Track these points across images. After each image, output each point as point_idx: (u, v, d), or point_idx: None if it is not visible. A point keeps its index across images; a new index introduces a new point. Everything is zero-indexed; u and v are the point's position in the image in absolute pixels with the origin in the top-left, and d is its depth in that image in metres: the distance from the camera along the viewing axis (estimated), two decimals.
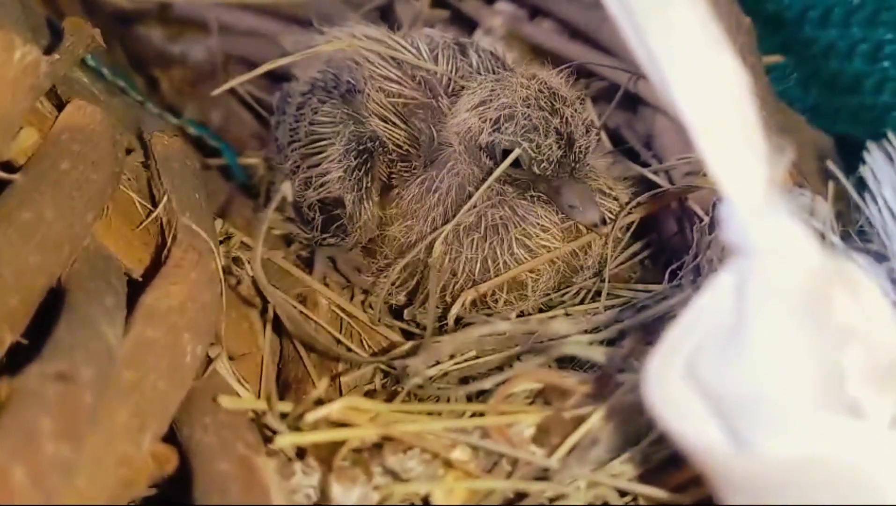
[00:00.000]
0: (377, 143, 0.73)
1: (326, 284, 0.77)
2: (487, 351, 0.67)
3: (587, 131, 0.69)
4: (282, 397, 0.67)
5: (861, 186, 0.61)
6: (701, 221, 0.71)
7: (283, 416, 0.55)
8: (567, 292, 0.76)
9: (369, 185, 0.73)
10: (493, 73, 0.75)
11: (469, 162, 0.70)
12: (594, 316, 0.69)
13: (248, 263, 0.73)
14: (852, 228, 0.65)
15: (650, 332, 0.59)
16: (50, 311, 0.51)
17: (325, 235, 0.76)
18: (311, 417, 0.53)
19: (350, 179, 0.72)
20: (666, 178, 0.80)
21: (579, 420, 0.54)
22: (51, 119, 0.62)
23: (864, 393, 0.43)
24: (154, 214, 0.64)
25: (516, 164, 0.68)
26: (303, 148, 0.76)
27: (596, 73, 0.92)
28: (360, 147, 0.73)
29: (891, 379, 0.43)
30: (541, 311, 0.75)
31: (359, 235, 0.74)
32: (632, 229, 0.78)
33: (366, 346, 0.74)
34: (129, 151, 0.68)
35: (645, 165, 0.82)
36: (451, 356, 0.67)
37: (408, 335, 0.76)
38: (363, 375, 0.70)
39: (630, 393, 0.52)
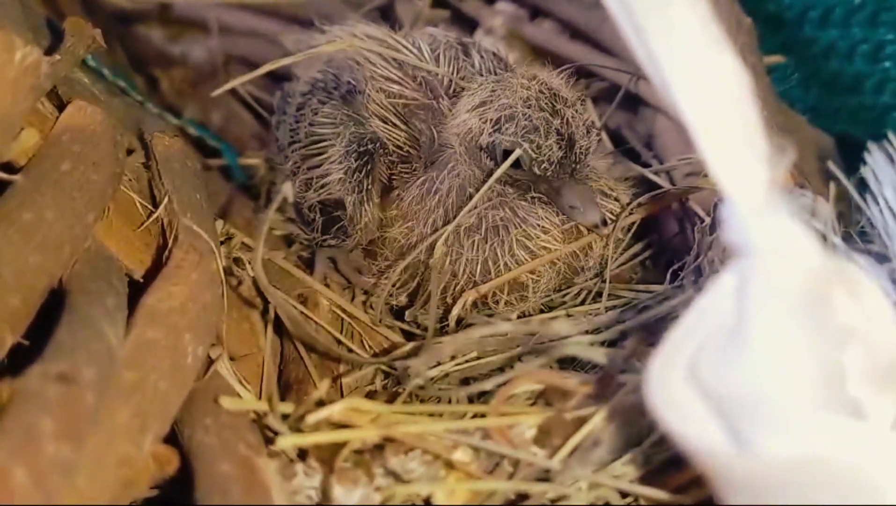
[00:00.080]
0: (378, 144, 0.73)
1: (327, 285, 0.77)
2: (489, 352, 0.67)
3: (588, 132, 0.69)
4: (283, 398, 0.67)
5: (862, 186, 0.61)
6: (702, 221, 0.71)
7: (285, 417, 0.55)
8: (568, 293, 0.76)
9: (370, 186, 0.73)
10: (495, 73, 0.75)
11: (469, 163, 0.70)
12: (595, 317, 0.69)
13: (249, 263, 0.73)
14: (853, 229, 0.65)
15: (651, 333, 0.59)
16: (51, 312, 0.51)
17: (325, 237, 0.75)
18: (312, 418, 0.53)
19: (350, 181, 0.72)
20: (667, 178, 0.80)
21: (581, 421, 0.54)
22: (52, 120, 0.62)
23: (864, 393, 0.43)
24: (155, 215, 0.64)
25: (517, 165, 0.68)
26: (303, 149, 0.76)
27: (596, 74, 0.92)
28: (361, 148, 0.73)
29: (891, 379, 0.43)
30: (542, 312, 0.75)
31: (359, 236, 0.74)
32: (633, 230, 0.78)
33: (367, 347, 0.74)
34: (129, 152, 0.68)
35: (646, 165, 0.82)
36: (453, 357, 0.67)
37: (409, 336, 0.76)
38: (364, 376, 0.70)
39: (631, 394, 0.52)
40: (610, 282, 0.74)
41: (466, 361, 0.66)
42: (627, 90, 0.87)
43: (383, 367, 0.70)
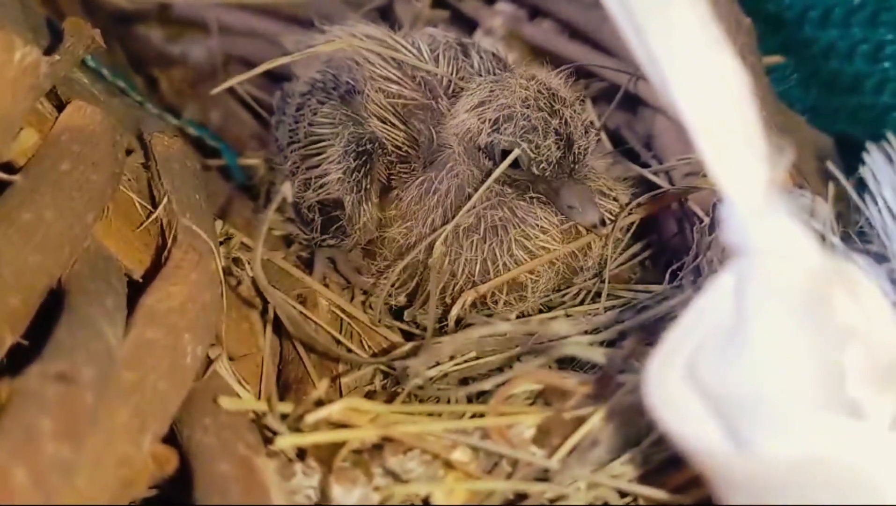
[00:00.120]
0: (376, 144, 0.73)
1: (326, 285, 0.77)
2: (488, 352, 0.67)
3: (586, 132, 0.69)
4: (282, 398, 0.67)
5: (861, 186, 0.61)
6: (701, 221, 0.71)
7: (284, 417, 0.55)
8: (567, 293, 0.76)
9: (368, 186, 0.73)
10: (494, 74, 0.75)
11: (468, 163, 0.70)
12: (594, 317, 0.69)
13: (249, 263, 0.73)
14: (852, 229, 0.65)
15: (650, 333, 0.59)
16: (50, 312, 0.51)
17: (324, 237, 0.76)
18: (311, 418, 0.53)
19: (349, 181, 0.72)
20: (666, 178, 0.80)
21: (579, 421, 0.54)
22: (51, 120, 0.62)
23: (864, 393, 0.43)
24: (154, 215, 0.64)
25: (515, 165, 0.68)
26: (302, 149, 0.76)
27: (596, 74, 0.92)
28: (360, 148, 0.73)
29: (891, 379, 0.43)
30: (541, 312, 0.75)
31: (358, 236, 0.74)
32: (632, 230, 0.78)
33: (366, 347, 0.74)
34: (129, 152, 0.68)
35: (645, 165, 0.82)
36: (452, 357, 0.67)
37: (408, 336, 0.76)
38: (363, 376, 0.70)
39: (630, 394, 0.52)
40: (609, 282, 0.74)
41: (465, 362, 0.66)
42: (627, 90, 0.87)
43: (382, 367, 0.70)
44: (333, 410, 0.53)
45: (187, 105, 1.07)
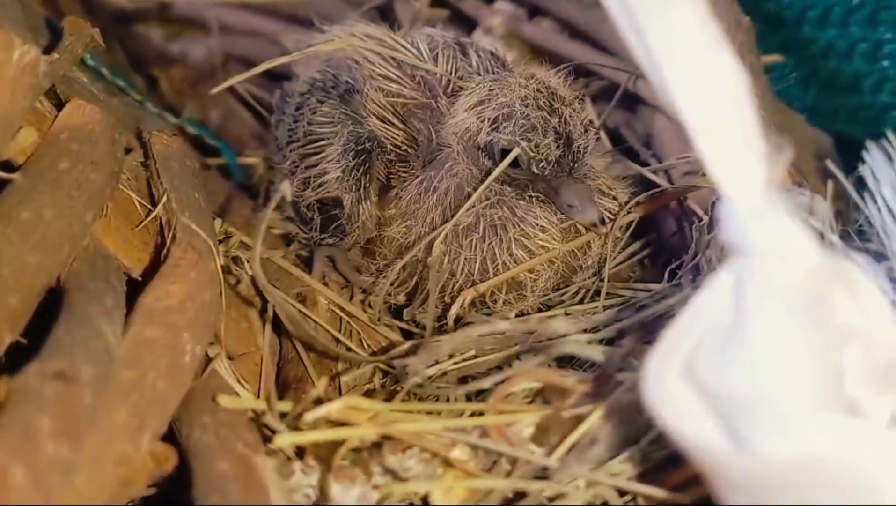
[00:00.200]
0: (375, 143, 0.73)
1: (326, 284, 0.77)
2: (487, 350, 0.67)
3: (586, 131, 0.69)
4: (281, 397, 0.67)
5: (860, 185, 0.61)
6: (700, 220, 0.71)
7: (283, 415, 0.55)
8: (566, 292, 0.76)
9: (367, 185, 0.73)
10: (493, 73, 0.75)
11: (468, 162, 0.70)
12: (593, 315, 0.69)
13: (248, 262, 0.73)
14: (851, 228, 0.65)
15: (649, 331, 0.59)
16: (49, 310, 0.51)
17: (323, 235, 0.76)
18: (310, 416, 0.53)
19: (348, 179, 0.73)
20: (665, 177, 0.80)
21: (578, 419, 0.54)
22: (50, 118, 0.62)
23: (863, 393, 0.43)
24: (153, 214, 0.64)
25: (515, 163, 0.68)
26: (301, 148, 0.76)
27: (595, 73, 0.92)
28: (359, 147, 0.73)
29: (890, 379, 0.43)
30: (540, 310, 0.75)
31: (357, 235, 0.74)
32: (631, 229, 0.78)
33: (365, 345, 0.74)
34: (128, 151, 0.68)
35: (644, 164, 0.82)
36: (451, 356, 0.67)
37: (407, 335, 0.76)
38: (362, 374, 0.70)
39: (629, 392, 0.52)
40: (608, 280, 0.74)
41: (464, 360, 0.66)
42: (626, 89, 0.87)
43: (381, 365, 0.70)
44: (332, 408, 0.53)
45: (187, 104, 1.07)
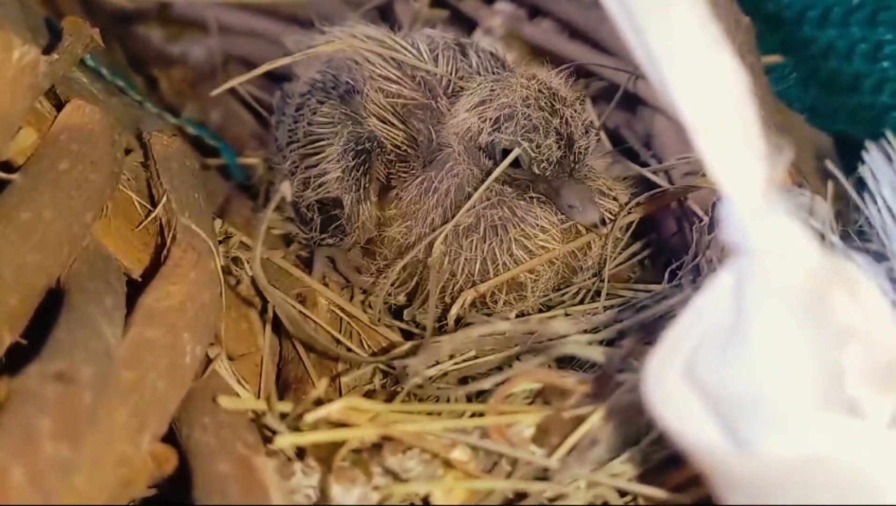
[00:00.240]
0: (375, 143, 0.73)
1: (326, 284, 0.77)
2: (487, 351, 0.67)
3: (587, 131, 0.69)
4: (281, 398, 0.67)
5: (860, 185, 0.61)
6: (700, 220, 0.71)
7: (283, 416, 0.55)
8: (567, 292, 0.76)
9: (367, 185, 0.73)
10: (493, 73, 0.75)
11: (468, 162, 0.70)
12: (594, 316, 0.69)
13: (248, 262, 0.73)
14: (851, 228, 0.65)
15: (649, 332, 0.59)
16: (49, 311, 0.51)
17: (323, 236, 0.76)
18: (310, 417, 0.53)
19: (348, 180, 0.73)
20: (665, 178, 0.80)
21: (579, 420, 0.54)
22: (50, 119, 0.62)
23: (863, 393, 0.43)
24: (153, 214, 0.64)
25: (516, 164, 0.68)
26: (301, 148, 0.76)
27: (595, 73, 0.92)
28: (359, 147, 0.73)
29: (890, 379, 0.43)
30: (540, 311, 0.75)
31: (357, 235, 0.74)
32: (631, 229, 0.78)
33: (365, 346, 0.74)
34: (128, 151, 0.68)
35: (644, 165, 0.82)
36: (451, 356, 0.67)
37: (407, 335, 0.76)
38: (363, 375, 0.70)
39: (629, 393, 0.52)
40: (608, 281, 0.74)
41: (465, 361, 0.66)
42: (626, 90, 0.87)
43: (382, 366, 0.70)
44: (333, 409, 0.53)
45: (187, 104, 1.07)
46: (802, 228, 0.43)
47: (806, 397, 0.41)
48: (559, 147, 0.67)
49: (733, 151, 0.43)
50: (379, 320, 0.75)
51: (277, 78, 0.90)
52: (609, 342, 0.62)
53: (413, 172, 0.73)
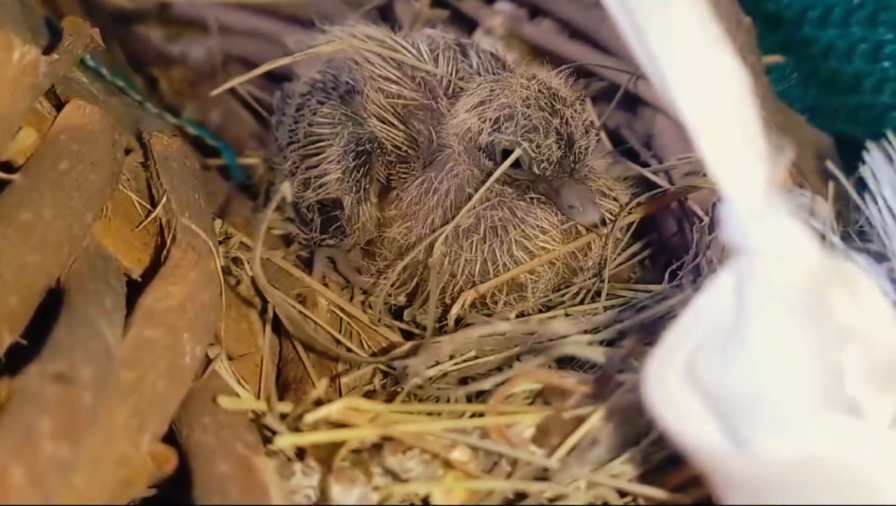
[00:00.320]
0: (376, 144, 0.73)
1: (326, 285, 0.77)
2: (487, 351, 0.67)
3: (587, 132, 0.69)
4: (281, 398, 0.67)
5: (861, 185, 0.61)
6: (701, 221, 0.71)
7: (283, 416, 0.55)
8: (567, 293, 0.76)
9: (367, 186, 0.73)
10: (494, 74, 0.75)
11: (468, 163, 0.70)
12: (594, 316, 0.69)
13: (248, 263, 0.73)
14: (852, 228, 0.65)
15: (650, 332, 0.59)
16: (49, 311, 0.51)
17: (323, 236, 0.76)
18: (310, 417, 0.53)
19: (348, 181, 0.73)
20: (666, 178, 0.80)
21: (579, 420, 0.54)
22: (50, 119, 0.62)
23: (863, 393, 0.43)
24: (153, 215, 0.64)
25: (516, 164, 0.68)
26: (301, 149, 0.76)
27: (596, 74, 0.92)
28: (359, 148, 0.73)
29: (890, 379, 0.43)
30: (540, 311, 0.75)
31: (357, 236, 0.74)
32: (632, 230, 0.78)
33: (365, 346, 0.74)
34: (128, 151, 0.68)
35: (645, 165, 0.82)
36: (451, 357, 0.66)
37: (407, 336, 0.76)
38: (363, 375, 0.70)
39: (630, 393, 0.52)
40: (608, 281, 0.74)
41: (465, 361, 0.66)
42: (626, 90, 0.87)
43: (382, 366, 0.70)
44: (333, 409, 0.53)
45: (187, 104, 1.07)
46: (803, 229, 0.43)
47: (806, 396, 0.41)
48: (559, 147, 0.67)
49: (734, 151, 0.43)
50: (379, 321, 0.75)
51: (277, 78, 0.90)
52: (609, 343, 0.62)
53: (413, 172, 0.73)
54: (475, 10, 1.04)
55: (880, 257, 0.57)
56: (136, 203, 0.65)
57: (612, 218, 0.73)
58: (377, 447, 0.55)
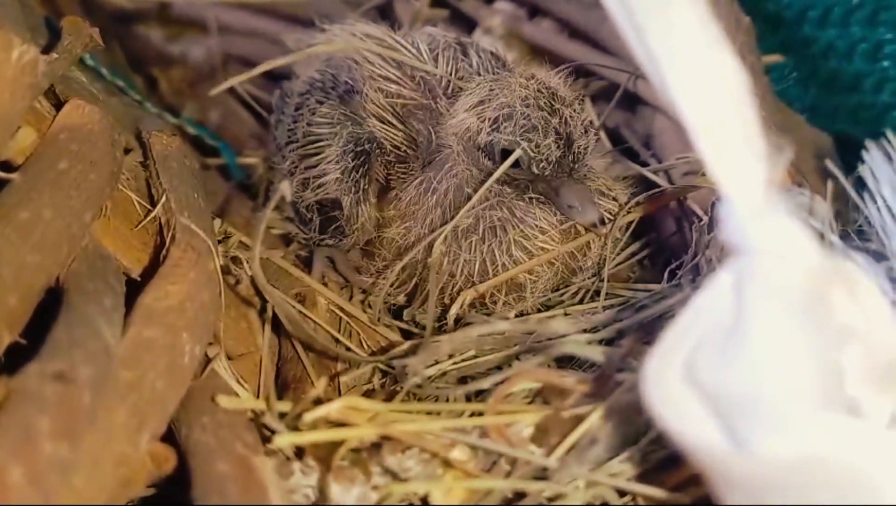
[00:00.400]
0: (375, 144, 0.73)
1: (325, 284, 0.77)
2: (486, 351, 0.67)
3: (586, 131, 0.69)
4: (280, 397, 0.67)
5: (860, 185, 0.61)
6: (700, 220, 0.71)
7: (282, 415, 0.55)
8: (566, 292, 0.76)
9: (366, 186, 0.73)
10: (493, 73, 0.75)
11: (467, 163, 0.70)
12: (593, 316, 0.69)
13: (247, 262, 0.73)
14: (851, 228, 0.65)
15: (649, 331, 0.59)
16: (48, 310, 0.51)
17: (323, 236, 0.76)
18: (309, 416, 0.53)
19: (347, 181, 0.72)
20: (665, 177, 0.80)
21: (578, 420, 0.54)
22: (49, 118, 0.62)
23: (863, 393, 0.43)
24: (153, 214, 0.64)
25: (515, 164, 0.68)
26: (300, 149, 0.76)
27: (595, 73, 0.92)
28: (358, 148, 0.73)
29: (890, 379, 0.43)
30: (539, 311, 0.75)
31: (356, 236, 0.74)
32: (631, 229, 0.78)
33: (365, 345, 0.74)
34: (127, 151, 0.68)
35: (644, 164, 0.82)
36: (450, 356, 0.67)
37: (407, 335, 0.76)
38: (362, 374, 0.70)
39: (629, 392, 0.52)
40: (608, 281, 0.74)
41: (464, 360, 0.66)
42: (626, 89, 0.87)
43: (381, 365, 0.70)
44: (332, 408, 0.53)
45: (186, 104, 1.07)
46: (802, 228, 0.43)
47: (806, 397, 0.41)
48: (558, 147, 0.67)
49: (733, 151, 0.43)
50: (378, 320, 0.75)
51: (277, 77, 0.90)
52: (608, 342, 0.62)
53: (412, 172, 0.73)
54: (475, 9, 1.04)
55: (879, 257, 0.57)
56: (136, 202, 0.65)
57: (612, 217, 0.73)
58: (376, 447, 0.55)
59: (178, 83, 1.12)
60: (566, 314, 0.73)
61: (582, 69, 0.89)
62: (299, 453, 0.55)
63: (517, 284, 0.72)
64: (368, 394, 0.68)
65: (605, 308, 0.72)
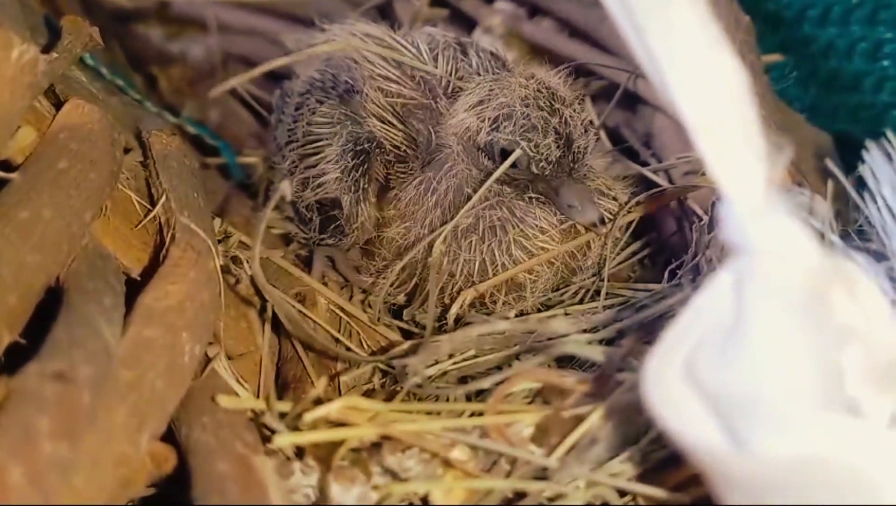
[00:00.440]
0: (374, 143, 0.73)
1: (325, 284, 0.77)
2: (486, 350, 0.67)
3: (586, 131, 0.69)
4: (280, 397, 0.67)
5: (860, 184, 0.61)
6: (700, 220, 0.71)
7: (282, 415, 0.55)
8: (566, 292, 0.76)
9: (366, 186, 0.73)
10: (493, 73, 0.75)
11: (467, 163, 0.70)
12: (593, 315, 0.69)
13: (247, 262, 0.73)
14: (851, 227, 0.65)
15: (649, 331, 0.59)
16: (48, 310, 0.51)
17: (322, 236, 0.75)
18: (309, 416, 0.53)
19: (347, 180, 0.72)
20: (665, 177, 0.80)
21: (578, 419, 0.54)
22: (49, 118, 0.62)
23: (863, 393, 0.43)
24: (153, 214, 0.64)
25: (515, 164, 0.68)
26: (300, 148, 0.76)
27: (595, 73, 0.92)
28: (358, 148, 0.73)
29: (890, 379, 0.43)
30: (539, 310, 0.75)
31: (356, 235, 0.74)
32: (631, 229, 0.78)
33: (365, 345, 0.74)
34: (127, 150, 0.68)
35: (644, 164, 0.82)
36: (450, 356, 0.66)
37: (407, 335, 0.76)
38: (362, 374, 0.70)
39: (629, 392, 0.52)
40: (608, 281, 0.74)
41: (464, 360, 0.66)
42: (626, 89, 0.87)
43: (381, 365, 0.70)
44: (332, 408, 0.53)
45: (186, 103, 1.08)
46: (802, 228, 0.42)
47: (806, 397, 0.41)
48: (558, 146, 0.67)
49: (733, 151, 0.43)
50: (378, 320, 0.75)
51: (277, 77, 0.90)
52: (608, 342, 0.62)
53: (412, 172, 0.73)
54: (475, 8, 1.04)
55: (880, 256, 0.57)
56: (136, 202, 0.65)
57: (612, 217, 0.73)
58: (376, 446, 0.55)
59: (177, 82, 1.12)
60: (566, 314, 0.73)
61: (582, 69, 0.89)
62: (299, 452, 0.55)
63: (517, 283, 0.72)
64: (368, 394, 0.68)
65: (605, 308, 0.72)
